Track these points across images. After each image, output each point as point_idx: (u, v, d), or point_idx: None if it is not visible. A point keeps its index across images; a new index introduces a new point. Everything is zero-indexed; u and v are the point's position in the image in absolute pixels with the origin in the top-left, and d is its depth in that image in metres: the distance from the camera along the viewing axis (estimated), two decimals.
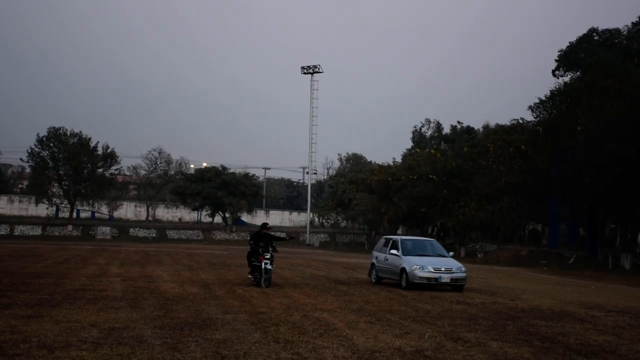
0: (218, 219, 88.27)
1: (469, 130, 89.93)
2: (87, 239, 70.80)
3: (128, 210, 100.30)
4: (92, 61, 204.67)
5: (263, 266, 20.74)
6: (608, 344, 12.49)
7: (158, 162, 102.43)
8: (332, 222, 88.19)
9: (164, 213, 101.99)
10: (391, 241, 24.47)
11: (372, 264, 25.33)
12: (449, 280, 21.90)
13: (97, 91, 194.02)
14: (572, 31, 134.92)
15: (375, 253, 25.62)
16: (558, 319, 15.83)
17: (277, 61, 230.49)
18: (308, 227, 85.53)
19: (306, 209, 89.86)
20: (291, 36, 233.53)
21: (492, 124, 79.79)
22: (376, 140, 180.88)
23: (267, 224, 22.67)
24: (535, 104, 50.55)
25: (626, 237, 48.02)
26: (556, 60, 65.73)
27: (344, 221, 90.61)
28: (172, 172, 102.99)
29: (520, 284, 27.62)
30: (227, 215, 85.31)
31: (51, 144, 76.24)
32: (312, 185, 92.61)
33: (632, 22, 63.63)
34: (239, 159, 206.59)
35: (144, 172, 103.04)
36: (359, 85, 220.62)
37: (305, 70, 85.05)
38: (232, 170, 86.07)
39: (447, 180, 60.41)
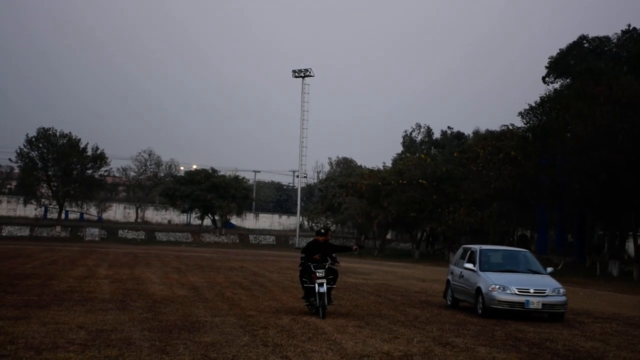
0: (207, 221, 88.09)
1: (459, 135, 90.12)
2: (76, 241, 70.52)
3: (117, 212, 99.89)
4: (84, 61, 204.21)
5: (317, 289, 15.34)
6: (595, 350, 12.54)
7: (148, 164, 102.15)
8: (322, 225, 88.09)
9: (153, 215, 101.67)
10: (469, 252, 19.27)
11: (447, 281, 20.26)
12: (539, 306, 16.56)
13: (88, 92, 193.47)
14: (562, 38, 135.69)
15: (451, 267, 20.43)
16: (546, 325, 15.89)
17: (269, 64, 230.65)
18: (298, 230, 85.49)
19: (296, 213, 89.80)
20: (284, 39, 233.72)
21: (482, 129, 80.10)
22: (367, 144, 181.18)
23: (325, 229, 16.91)
24: (525, 110, 50.73)
25: (614, 244, 48.19)
26: (546, 67, 65.93)
27: (334, 225, 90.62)
28: (162, 174, 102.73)
29: None
30: (216, 217, 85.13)
31: (40, 145, 75.85)
32: (302, 188, 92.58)
33: (622, 30, 63.97)
34: (229, 161, 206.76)
35: (134, 173, 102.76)
36: (351, 90, 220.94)
37: (296, 74, 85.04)
38: (222, 173, 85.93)
39: (437, 186, 60.53)
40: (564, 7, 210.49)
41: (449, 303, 19.47)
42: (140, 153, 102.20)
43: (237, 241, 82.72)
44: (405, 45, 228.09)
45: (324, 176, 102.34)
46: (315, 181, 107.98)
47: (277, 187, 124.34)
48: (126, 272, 26.88)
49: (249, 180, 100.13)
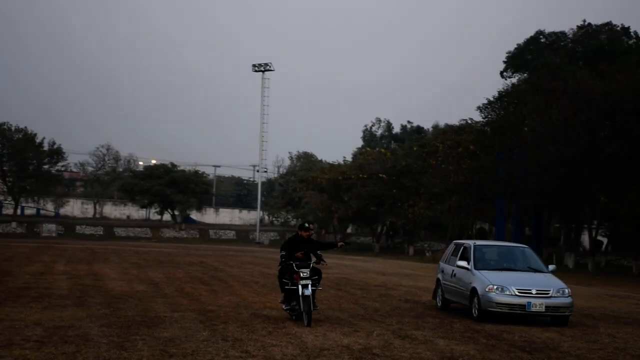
0: (167, 216, 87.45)
1: (419, 130, 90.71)
2: (32, 237, 69.38)
3: (75, 208, 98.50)
4: (39, 53, 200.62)
5: (300, 291, 13.37)
6: (551, 341, 12.75)
7: (106, 159, 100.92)
8: (282, 220, 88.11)
9: (111, 210, 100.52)
10: (461, 248, 17.33)
11: (437, 280, 18.27)
12: (543, 309, 14.78)
13: (44, 86, 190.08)
14: (521, 33, 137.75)
15: (441, 265, 18.53)
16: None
17: (229, 58, 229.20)
18: (258, 225, 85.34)
19: (256, 207, 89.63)
20: (244, 32, 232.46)
21: (442, 124, 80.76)
22: (327, 139, 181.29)
23: (308, 223, 14.61)
24: (483, 104, 51.33)
25: (570, 237, 49.04)
26: (504, 62, 66.61)
27: (294, 219, 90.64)
28: (121, 169, 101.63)
29: None
30: (176, 213, 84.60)
31: None
32: (263, 183, 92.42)
33: (578, 26, 64.88)
34: (189, 156, 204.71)
35: (92, 168, 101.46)
36: (311, 84, 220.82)
37: (256, 68, 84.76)
38: (181, 168, 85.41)
39: (397, 180, 60.91)
40: (522, 2, 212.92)
41: (439, 305, 17.63)
42: (98, 148, 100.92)
43: (197, 236, 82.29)
44: (365, 40, 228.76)
45: (285, 171, 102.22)
46: (276, 176, 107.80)
47: (238, 181, 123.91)
48: (84, 268, 26.55)
49: (209, 175, 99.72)
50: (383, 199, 61.42)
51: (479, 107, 51.44)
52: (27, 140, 74.76)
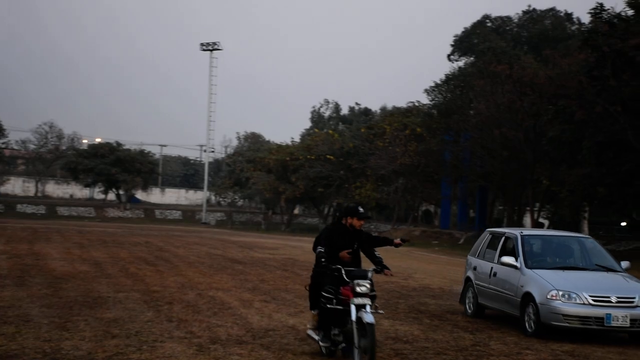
0: (112, 196, 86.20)
1: (367, 111, 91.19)
2: None
3: (15, 186, 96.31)
4: None
5: (354, 314, 8.52)
6: (493, 321, 12.97)
7: (49, 137, 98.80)
8: (229, 200, 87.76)
9: (54, 189, 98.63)
10: (502, 238, 13.37)
11: (467, 279, 14.19)
12: (627, 323, 11.02)
13: None
14: (469, 16, 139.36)
15: (472, 260, 14.35)
16: (447, 298, 16.33)
17: (177, 36, 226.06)
18: (204, 205, 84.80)
19: (203, 188, 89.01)
20: (193, 11, 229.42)
21: (390, 106, 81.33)
22: (275, 120, 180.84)
23: (359, 207, 9.57)
24: (430, 87, 51.91)
25: (513, 219, 49.91)
26: (451, 45, 67.35)
27: (241, 200, 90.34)
28: (64, 147, 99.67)
29: (412, 264, 28.29)
30: (121, 192, 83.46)
31: None
32: (210, 163, 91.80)
33: (523, 11, 66.01)
34: (135, 135, 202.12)
35: (34, 146, 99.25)
36: (260, 64, 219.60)
37: (204, 47, 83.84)
38: (127, 147, 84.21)
39: (344, 161, 61.20)
40: None
41: (470, 311, 13.69)
42: (40, 125, 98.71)
43: (143, 216, 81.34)
44: (314, 21, 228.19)
45: (232, 151, 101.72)
46: (223, 156, 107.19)
47: (184, 161, 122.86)
48: (25, 248, 25.99)
49: (155, 155, 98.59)
50: (330, 180, 61.67)
51: (426, 90, 52.05)
52: None
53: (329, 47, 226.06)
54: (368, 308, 8.51)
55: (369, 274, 8.84)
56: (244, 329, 10.79)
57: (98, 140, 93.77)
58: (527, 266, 12.11)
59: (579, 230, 43.89)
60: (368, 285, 8.65)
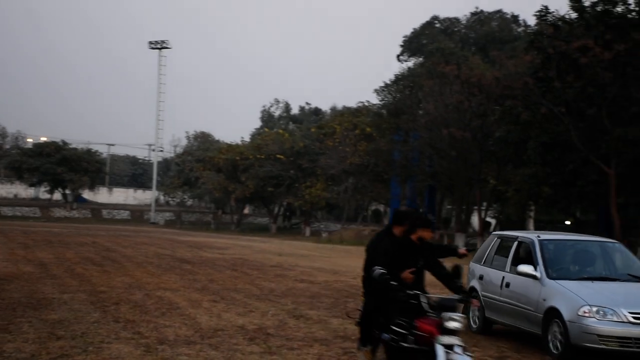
0: (57, 195, 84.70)
1: (317, 111, 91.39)
2: None
3: None
4: None
5: (442, 358, 6.41)
6: None
7: None
8: (179, 200, 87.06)
9: None
10: (515, 243, 11.58)
11: (472, 289, 12.05)
12: None
13: None
14: (419, 17, 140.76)
15: (476, 268, 12.47)
16: None
17: (125, 34, 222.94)
18: (153, 205, 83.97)
19: (151, 187, 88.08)
20: (142, 10, 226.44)
21: (340, 106, 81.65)
22: (225, 119, 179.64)
23: (424, 214, 9.80)
24: (380, 87, 52.32)
25: (461, 218, 50.54)
26: (401, 46, 67.95)
27: (191, 200, 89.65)
28: (8, 146, 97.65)
29: (362, 263, 28.36)
30: (67, 192, 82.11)
31: None
32: (159, 163, 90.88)
33: (471, 12, 66.95)
34: (81, 134, 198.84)
35: None
36: (210, 64, 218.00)
37: (152, 45, 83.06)
38: (73, 146, 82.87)
39: (295, 161, 61.23)
40: None
41: (475, 326, 11.95)
42: None
43: (90, 216, 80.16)
44: (262, 20, 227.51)
45: (181, 150, 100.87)
46: (172, 155, 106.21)
47: (133, 160, 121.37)
48: None
49: (102, 154, 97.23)
50: (280, 180, 61.63)
51: (376, 90, 52.40)
52: None
53: (278, 46, 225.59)
54: (459, 349, 6.50)
55: (457, 303, 6.91)
56: (192, 329, 10.71)
57: (43, 139, 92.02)
58: (548, 276, 10.32)
59: (524, 229, 44.65)
60: (459, 320, 6.61)
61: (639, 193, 31.26)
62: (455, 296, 7.01)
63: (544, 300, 10.18)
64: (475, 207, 46.17)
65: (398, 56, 68.22)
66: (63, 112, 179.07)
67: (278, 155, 61.55)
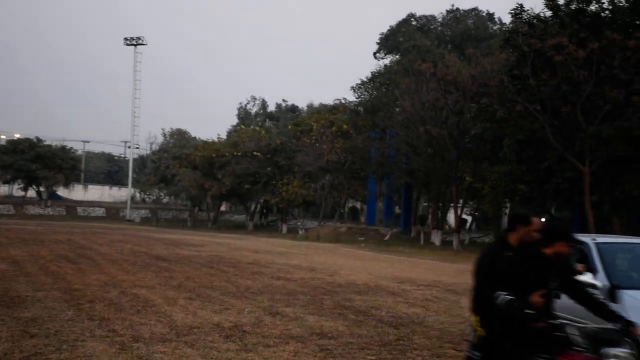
0: (32, 192, 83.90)
1: (294, 108, 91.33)
2: None
3: None
4: None
5: None
6: (417, 316, 13.17)
7: None
8: (155, 197, 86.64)
9: None
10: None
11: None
12: None
13: None
14: (395, 14, 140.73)
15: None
16: (372, 293, 16.48)
17: (100, 31, 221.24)
18: (129, 202, 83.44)
19: (127, 184, 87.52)
20: (117, 5, 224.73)
21: (316, 103, 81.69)
22: (201, 116, 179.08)
23: (561, 224, 8.53)
24: (357, 84, 52.39)
25: (437, 215, 50.82)
26: (377, 43, 68.05)
27: (167, 197, 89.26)
28: None
29: (338, 260, 28.46)
30: (41, 189, 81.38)
31: None
32: (134, 160, 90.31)
33: (447, 10, 67.25)
34: (56, 131, 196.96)
35: None
36: (186, 61, 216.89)
37: (128, 42, 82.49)
38: (48, 143, 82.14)
39: (271, 158, 61.15)
40: None
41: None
42: None
43: (64, 213, 79.49)
44: (239, 17, 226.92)
45: (157, 147, 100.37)
46: (148, 152, 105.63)
47: (108, 158, 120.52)
48: None
49: (77, 151, 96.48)
50: (257, 177, 61.54)
51: (352, 88, 52.46)
52: None
53: (255, 43, 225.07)
54: None
55: (622, 336, 5.28)
56: (167, 327, 10.64)
57: (17, 135, 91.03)
58: (615, 285, 7.96)
59: (500, 226, 44.95)
60: (631, 358, 5.14)
61: (612, 190, 31.57)
62: (615, 325, 5.38)
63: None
64: (452, 205, 46.41)
65: (375, 54, 68.35)
66: (37, 108, 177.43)
67: (255, 153, 61.43)
